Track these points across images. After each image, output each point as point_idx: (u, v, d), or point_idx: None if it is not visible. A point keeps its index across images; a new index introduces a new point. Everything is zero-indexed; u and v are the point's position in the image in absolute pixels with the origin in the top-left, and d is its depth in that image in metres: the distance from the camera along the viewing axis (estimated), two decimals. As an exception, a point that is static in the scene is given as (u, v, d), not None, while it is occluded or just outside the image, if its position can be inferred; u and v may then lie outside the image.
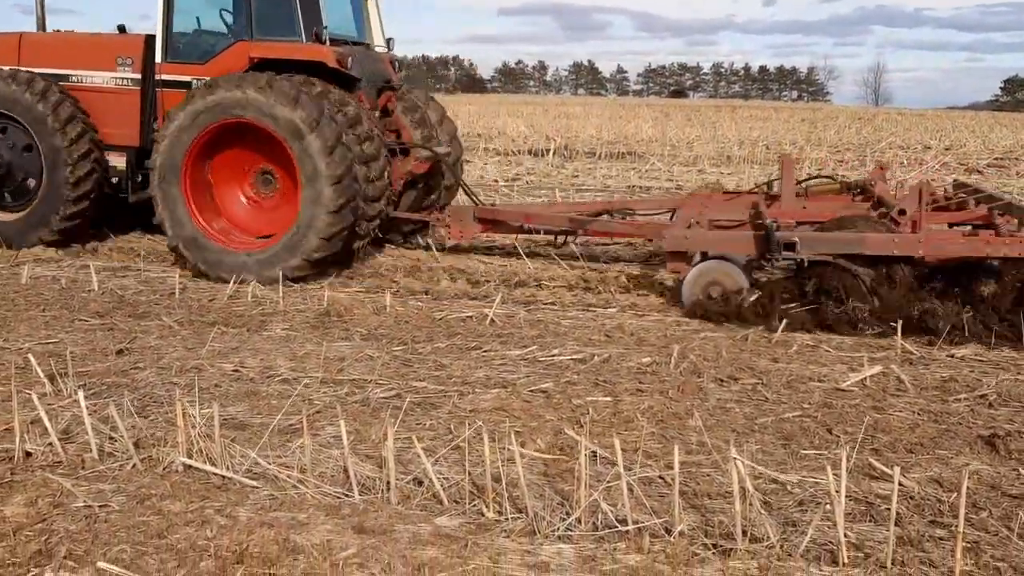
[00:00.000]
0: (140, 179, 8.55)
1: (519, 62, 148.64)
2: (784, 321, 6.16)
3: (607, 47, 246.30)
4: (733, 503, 3.30)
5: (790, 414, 4.70)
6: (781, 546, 3.28)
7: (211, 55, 8.27)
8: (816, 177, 8.56)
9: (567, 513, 3.50)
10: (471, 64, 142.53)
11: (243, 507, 3.53)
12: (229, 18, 8.43)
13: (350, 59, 8.21)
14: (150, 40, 8.48)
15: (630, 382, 5.13)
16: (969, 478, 3.61)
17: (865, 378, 5.22)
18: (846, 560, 3.19)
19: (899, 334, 5.82)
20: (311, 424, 4.19)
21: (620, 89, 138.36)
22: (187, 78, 8.17)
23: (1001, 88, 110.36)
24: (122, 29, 9.08)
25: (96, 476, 3.80)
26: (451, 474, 3.84)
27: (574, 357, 5.57)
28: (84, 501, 3.55)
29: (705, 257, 6.81)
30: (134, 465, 3.89)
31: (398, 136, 9.12)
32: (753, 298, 6.45)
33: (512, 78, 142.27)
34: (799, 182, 8.12)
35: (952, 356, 5.72)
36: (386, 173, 8.22)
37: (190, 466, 3.85)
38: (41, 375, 4.82)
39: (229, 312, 6.66)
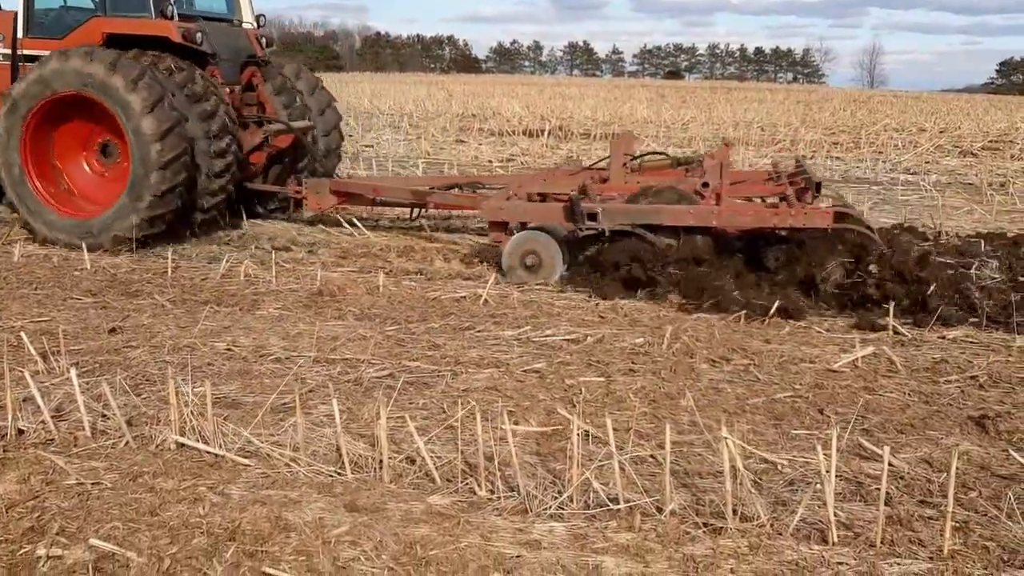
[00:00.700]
0: None
1: (514, 42, 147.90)
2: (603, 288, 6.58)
3: (603, 27, 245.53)
4: (724, 482, 3.32)
5: (781, 394, 4.72)
6: (771, 525, 3.30)
7: (69, 31, 8.41)
8: (650, 153, 8.89)
9: (559, 492, 3.52)
10: (466, 44, 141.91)
11: (235, 485, 3.54)
12: None
13: (199, 34, 8.45)
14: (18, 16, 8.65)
15: (623, 362, 5.14)
16: (959, 458, 3.62)
17: (857, 359, 5.23)
18: (835, 539, 3.21)
19: (891, 316, 5.84)
20: (304, 403, 4.19)
21: (615, 70, 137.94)
22: (46, 53, 8.14)
23: (997, 71, 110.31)
24: None
25: (88, 454, 3.80)
26: (444, 453, 3.85)
27: (567, 337, 5.58)
28: (76, 478, 3.55)
29: (524, 227, 7.18)
30: (127, 443, 3.89)
31: (261, 110, 9.40)
32: (565, 265, 6.96)
33: (507, 58, 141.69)
34: (634, 157, 8.43)
35: (943, 338, 5.74)
36: (232, 148, 8.42)
37: (183, 444, 3.85)
38: (34, 353, 4.81)
39: (222, 291, 6.64)
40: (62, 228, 8.00)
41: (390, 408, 4.07)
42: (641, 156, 8.57)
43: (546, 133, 20.64)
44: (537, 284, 6.90)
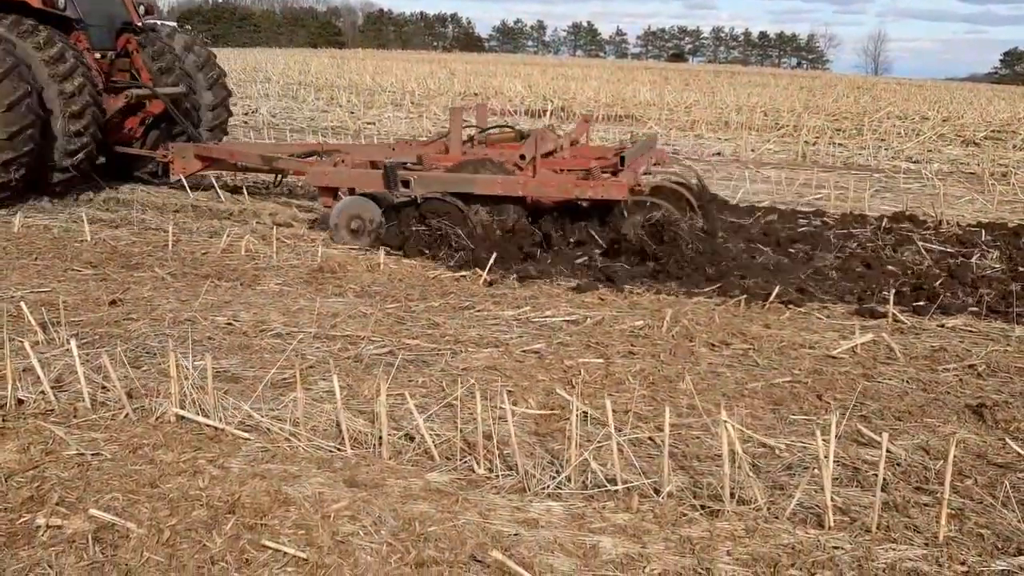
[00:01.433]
0: None
1: (517, 21, 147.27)
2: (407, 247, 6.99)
3: (607, 7, 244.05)
4: (722, 465, 3.33)
5: (780, 380, 4.73)
6: (768, 508, 3.32)
7: None
8: (498, 126, 9.17)
9: (557, 472, 3.53)
10: (469, 22, 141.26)
11: (235, 458, 3.55)
12: None
13: (62, 1, 8.80)
14: None
15: (622, 345, 5.14)
16: (956, 446, 3.64)
17: (856, 346, 5.24)
18: (832, 523, 3.23)
19: (891, 303, 5.84)
20: (304, 379, 4.20)
21: (619, 51, 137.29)
22: None
23: (1001, 60, 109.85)
24: None
25: (88, 425, 3.81)
26: (443, 431, 3.86)
27: (567, 319, 5.58)
28: (76, 449, 3.56)
29: (351, 193, 7.57)
30: (126, 415, 3.90)
31: (134, 76, 9.76)
32: (384, 229, 7.28)
33: (510, 37, 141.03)
34: (483, 130, 8.80)
35: (943, 326, 5.75)
36: (90, 110, 8.63)
37: (183, 417, 3.86)
38: (33, 323, 4.81)
39: (222, 265, 6.64)
40: None
41: (390, 385, 4.08)
42: (488, 129, 8.87)
43: (549, 114, 20.57)
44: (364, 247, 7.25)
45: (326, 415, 3.97)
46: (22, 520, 3.08)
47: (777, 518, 3.28)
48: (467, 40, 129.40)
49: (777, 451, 3.85)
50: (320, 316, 5.44)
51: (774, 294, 6.04)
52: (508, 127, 9.15)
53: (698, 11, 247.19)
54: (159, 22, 10.99)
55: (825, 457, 3.22)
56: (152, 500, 3.21)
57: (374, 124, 17.89)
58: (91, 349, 4.67)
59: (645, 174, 7.90)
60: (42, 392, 4.01)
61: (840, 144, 16.58)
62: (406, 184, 7.19)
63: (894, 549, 3.11)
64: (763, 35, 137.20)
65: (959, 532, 3.25)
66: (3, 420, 3.81)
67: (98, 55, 9.36)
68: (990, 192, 11.24)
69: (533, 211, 7.38)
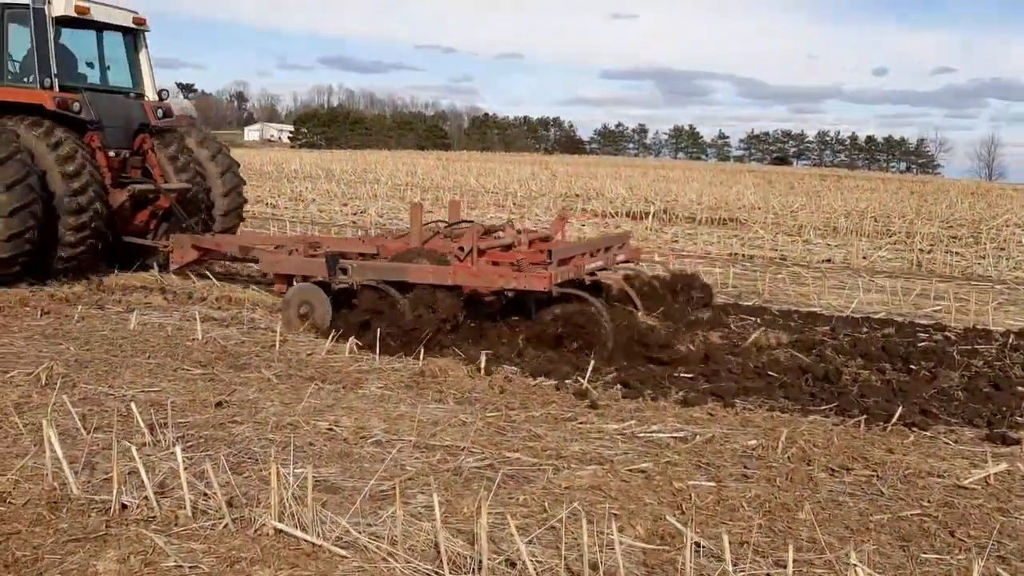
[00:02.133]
0: None
1: (619, 124, 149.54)
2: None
3: (709, 112, 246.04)
4: (852, 614, 3.04)
5: (908, 512, 4.37)
6: (905, 666, 3.00)
7: None
8: (462, 221, 9.54)
9: (668, 610, 3.29)
10: (571, 125, 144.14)
11: (332, 578, 3.44)
12: (11, 65, 10.05)
13: (76, 104, 9.84)
14: None
15: (735, 466, 4.88)
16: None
17: (989, 475, 4.84)
18: None
19: (1028, 430, 5.42)
20: (402, 491, 4.08)
21: (721, 154, 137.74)
22: None
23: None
24: None
25: (188, 535, 3.76)
26: (545, 557, 3.67)
27: (675, 435, 5.35)
28: (175, 560, 3.51)
29: (305, 279, 8.04)
30: (226, 525, 3.84)
31: (145, 173, 10.69)
32: (330, 315, 7.68)
33: (611, 140, 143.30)
34: (449, 225, 9.27)
35: (1088, 457, 5.27)
36: (94, 204, 9.47)
37: (281, 530, 3.78)
38: (142, 425, 4.87)
39: (326, 367, 6.67)
40: None
41: (489, 502, 3.93)
42: (455, 224, 9.35)
43: (650, 216, 20.55)
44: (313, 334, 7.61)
45: (424, 534, 3.83)
46: (116, 636, 3.01)
47: None
48: (569, 143, 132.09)
49: (911, 597, 3.51)
50: (420, 424, 5.36)
51: (896, 415, 5.68)
52: (469, 222, 9.57)
53: (802, 115, 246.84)
54: (177, 114, 11.98)
55: (970, 612, 2.90)
56: (246, 621, 3.11)
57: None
58: (195, 453, 4.68)
59: (601, 269, 8.33)
60: (145, 497, 4.01)
61: (957, 252, 15.97)
62: (344, 272, 7.68)
63: None
64: (870, 139, 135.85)
65: None
66: (106, 526, 3.81)
67: (112, 153, 10.29)
68: None
69: (479, 301, 7.83)
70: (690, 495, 4.42)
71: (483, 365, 6.61)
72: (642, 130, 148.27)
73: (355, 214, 19.68)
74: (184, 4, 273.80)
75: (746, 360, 7.12)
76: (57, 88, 9.77)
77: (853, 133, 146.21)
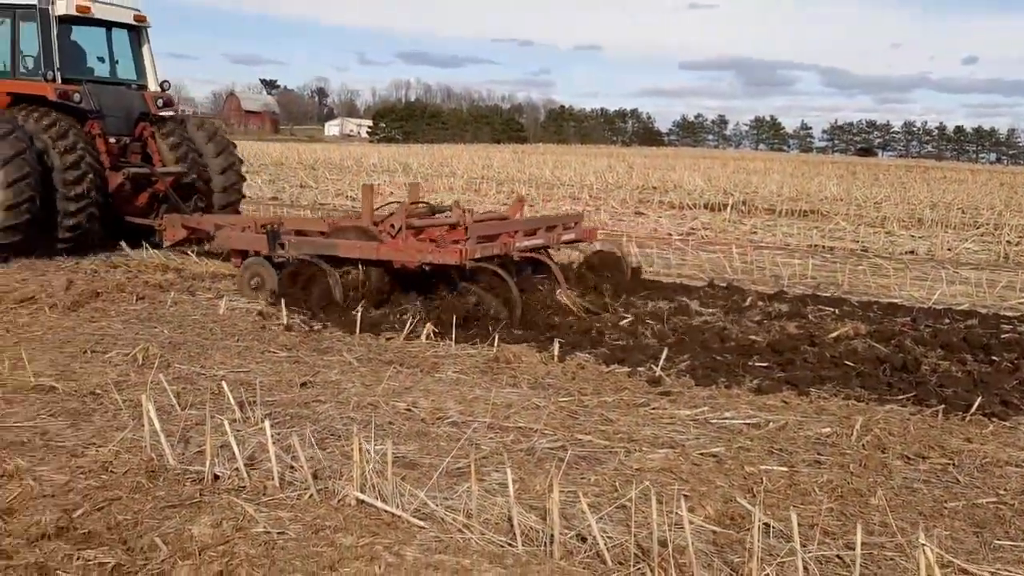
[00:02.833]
0: None
1: (698, 116, 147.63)
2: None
3: (792, 103, 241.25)
4: (920, 594, 3.06)
5: (984, 500, 4.33)
6: (974, 647, 3.01)
7: None
8: (417, 202, 10.03)
9: (736, 586, 3.35)
10: (649, 117, 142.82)
11: (410, 547, 3.59)
12: (21, 60, 11.15)
13: (77, 95, 10.87)
14: None
15: (808, 452, 4.89)
16: None
17: (1073, 467, 4.75)
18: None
19: (1115, 422, 5.29)
20: (477, 469, 4.22)
21: (803, 146, 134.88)
22: None
23: None
24: None
25: (276, 503, 3.97)
26: (615, 533, 3.77)
27: (748, 421, 5.38)
28: (264, 527, 3.71)
29: (256, 254, 8.83)
30: (311, 495, 4.04)
31: (145, 158, 11.72)
32: (266, 285, 8.51)
33: (690, 131, 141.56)
34: (404, 206, 9.41)
35: None
36: (90, 186, 10.46)
37: (362, 501, 3.96)
38: (232, 402, 5.11)
39: (404, 352, 6.86)
40: None
41: (561, 482, 4.04)
42: (408, 204, 9.67)
43: (728, 208, 20.34)
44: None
45: (498, 508, 3.97)
46: (211, 593, 3.21)
47: (985, 659, 2.96)
48: (646, 134, 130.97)
49: (983, 581, 3.50)
50: (494, 406, 5.50)
51: (976, 405, 5.60)
52: (425, 203, 10.23)
53: (888, 104, 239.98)
54: (182, 111, 13.10)
55: (1042, 594, 2.90)
56: (330, 583, 3.28)
57: (553, 217, 18.24)
58: (282, 429, 4.90)
59: (543, 248, 9.05)
60: (236, 469, 4.23)
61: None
62: (282, 246, 8.43)
63: None
64: (959, 129, 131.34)
65: None
66: (200, 494, 4.04)
67: (112, 139, 11.32)
68: None
69: (413, 275, 8.32)
70: (761, 479, 4.46)
71: (556, 352, 6.72)
72: (722, 121, 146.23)
73: (432, 206, 19.95)
74: (265, 2, 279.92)
75: (822, 350, 7.08)
76: (60, 80, 10.83)
77: (941, 123, 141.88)
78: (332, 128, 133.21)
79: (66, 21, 11.11)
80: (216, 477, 4.21)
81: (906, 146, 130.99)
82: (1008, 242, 14.62)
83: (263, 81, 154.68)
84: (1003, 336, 7.76)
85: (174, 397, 5.31)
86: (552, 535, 3.61)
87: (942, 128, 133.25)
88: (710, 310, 8.60)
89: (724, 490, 4.32)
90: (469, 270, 7.93)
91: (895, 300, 9.66)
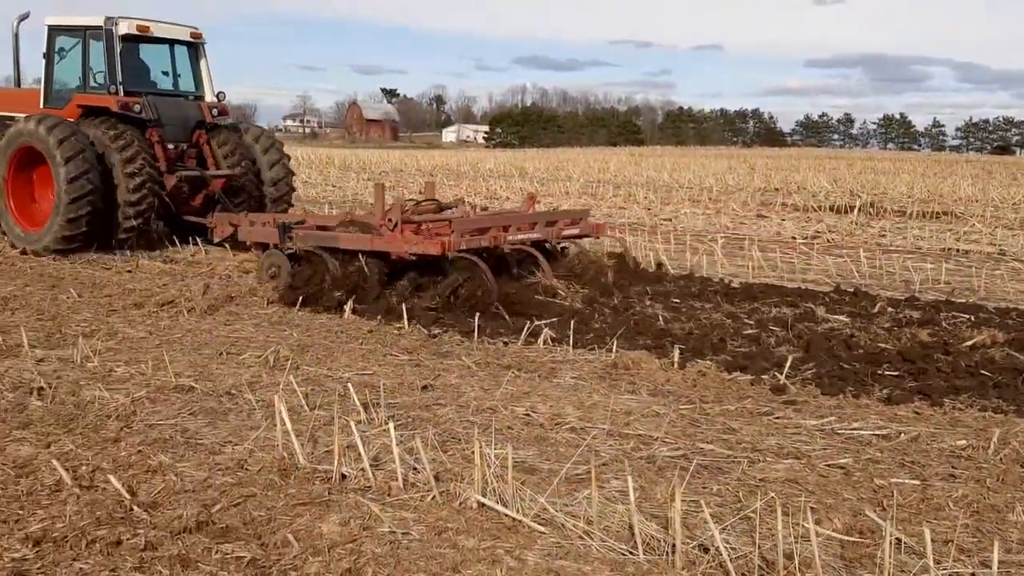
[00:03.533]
0: None
1: (823, 115, 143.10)
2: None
3: (923, 100, 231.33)
4: (1068, 620, 2.90)
5: None
6: None
7: (66, 103, 12.23)
8: (426, 200, 10.41)
9: (865, 603, 3.25)
10: (771, 117, 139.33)
11: (531, 551, 3.63)
12: (91, 76, 12.32)
13: (137, 106, 11.99)
14: None
15: (941, 466, 4.69)
16: None
17: None
18: None
19: None
20: (598, 476, 4.23)
21: (935, 144, 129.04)
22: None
23: None
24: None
25: (400, 504, 4.08)
26: (739, 545, 3.71)
27: (877, 432, 5.20)
28: (389, 527, 3.82)
29: (268, 247, 9.57)
30: (433, 497, 4.13)
31: (200, 163, 12.78)
32: (287, 275, 9.02)
33: (814, 131, 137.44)
34: (418, 203, 10.24)
35: None
36: (147, 187, 11.61)
37: (483, 504, 4.02)
38: (357, 404, 5.28)
39: (522, 357, 6.92)
40: (22, 239, 11.66)
41: (683, 490, 4.00)
42: (421, 202, 10.34)
43: (855, 210, 19.67)
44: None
45: (619, 516, 3.96)
46: (340, 589, 3.32)
47: None
48: (768, 135, 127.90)
49: None
50: (613, 413, 5.49)
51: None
52: (434, 200, 10.55)
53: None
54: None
55: None
56: (453, 584, 3.35)
57: (671, 220, 18.05)
58: (405, 431, 5.03)
59: (541, 242, 9.55)
60: (362, 469, 4.37)
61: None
62: (291, 239, 9.12)
63: None
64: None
65: None
66: (329, 493, 4.19)
67: (171, 146, 12.43)
68: None
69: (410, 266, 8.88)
70: (892, 492, 4.30)
71: (677, 359, 6.65)
72: (848, 120, 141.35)
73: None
74: (385, 12, 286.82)
75: (957, 358, 6.77)
76: (122, 93, 11.98)
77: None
78: (449, 135, 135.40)
79: (128, 40, 12.26)
80: (343, 477, 4.35)
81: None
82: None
83: (383, 90, 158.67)
84: None
85: (303, 398, 5.52)
86: (674, 544, 3.59)
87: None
88: (837, 316, 8.34)
89: (852, 503, 4.19)
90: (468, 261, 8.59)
91: (1038, 306, 9.13)
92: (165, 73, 13.10)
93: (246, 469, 4.49)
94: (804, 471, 4.59)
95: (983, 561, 3.55)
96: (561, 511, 3.96)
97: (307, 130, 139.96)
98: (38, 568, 3.45)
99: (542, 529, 3.83)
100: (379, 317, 8.10)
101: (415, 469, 4.38)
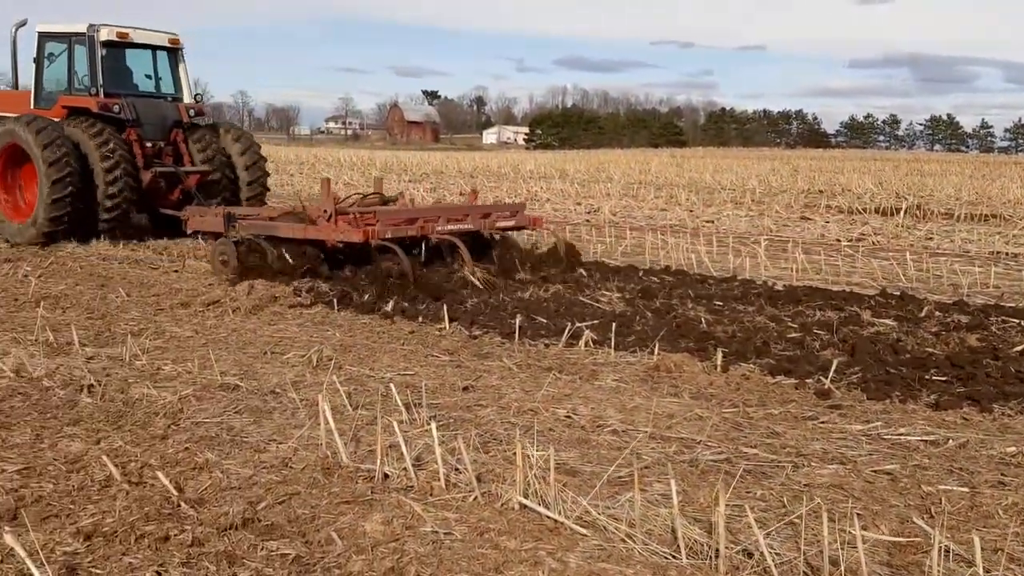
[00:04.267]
0: None
1: (868, 116, 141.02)
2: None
3: (971, 100, 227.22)
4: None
5: None
6: None
7: (54, 104, 13.28)
8: (372, 194, 11.84)
9: (913, 612, 3.20)
10: (815, 118, 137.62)
11: (573, 553, 3.62)
12: (75, 79, 13.33)
13: (116, 106, 12.97)
14: None
15: (990, 472, 4.60)
16: None
17: None
18: None
19: None
20: (640, 479, 4.21)
21: (984, 145, 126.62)
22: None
23: None
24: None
25: (442, 504, 4.09)
26: (783, 550, 3.67)
27: (924, 438, 5.11)
28: (431, 527, 3.84)
29: (218, 235, 10.57)
30: (475, 498, 4.14)
31: (176, 160, 13.68)
32: (223, 259, 10.06)
33: (859, 132, 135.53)
34: (364, 197, 11.70)
35: None
36: (124, 182, 12.55)
37: (525, 506, 4.02)
38: (399, 404, 5.31)
39: (563, 359, 6.91)
40: (11, 231, 12.61)
41: (727, 495, 3.97)
42: (368, 195, 11.77)
43: (901, 212, 19.37)
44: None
45: (661, 519, 3.94)
46: (383, 588, 3.35)
47: None
48: (812, 136, 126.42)
49: None
50: (655, 416, 5.46)
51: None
52: (378, 194, 11.78)
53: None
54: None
55: None
56: (495, 585, 3.35)
57: (713, 222, 17.91)
58: (446, 432, 5.04)
59: (471, 232, 10.47)
60: (404, 469, 4.39)
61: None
62: (234, 228, 10.22)
63: None
64: None
65: None
66: (371, 492, 4.22)
67: (148, 144, 13.37)
68: None
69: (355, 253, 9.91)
70: (940, 499, 4.23)
71: (719, 362, 6.60)
72: (894, 121, 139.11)
73: (588, 212, 19.99)
74: (426, 14, 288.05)
75: (1007, 364, 6.64)
76: (102, 95, 12.95)
77: None
78: (489, 136, 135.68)
79: (110, 45, 13.22)
80: (386, 476, 4.38)
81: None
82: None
83: (424, 92, 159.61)
84: None
85: (346, 398, 5.56)
86: (717, 549, 3.56)
87: None
88: (883, 320, 8.22)
89: (899, 509, 4.13)
90: (411, 246, 9.95)
91: (1092, 311, 8.92)
92: (148, 76, 14.10)
93: (290, 467, 4.54)
94: (850, 476, 4.53)
95: (1035, 571, 3.48)
96: (603, 514, 3.95)
97: (348, 132, 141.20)
98: (89, 562, 3.52)
99: (584, 531, 3.82)
100: (419, 318, 8.15)
101: (457, 470, 4.39)
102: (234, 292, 9.05)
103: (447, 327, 7.81)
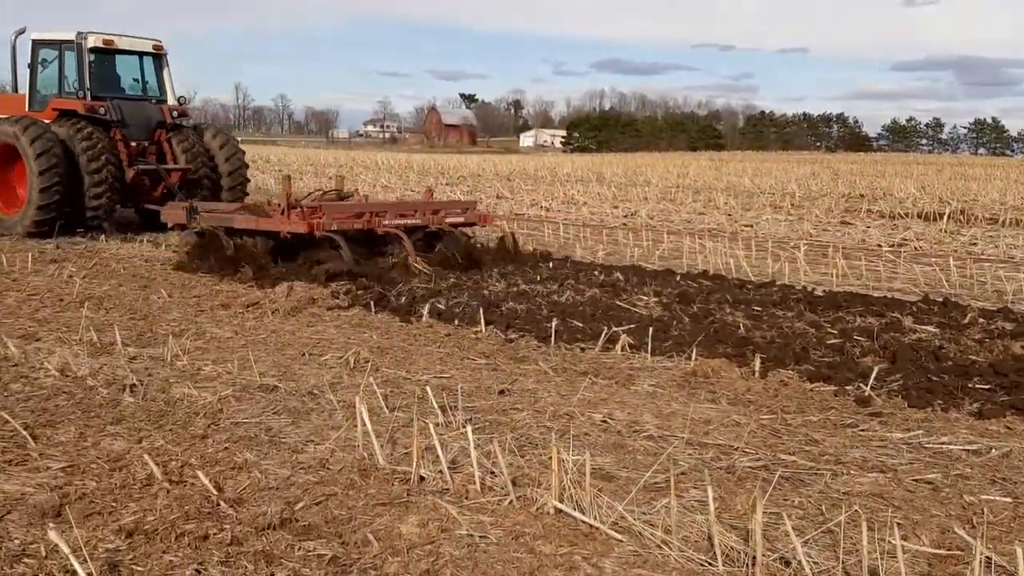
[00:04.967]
0: None
1: (910, 119, 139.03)
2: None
3: (1017, 103, 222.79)
4: None
5: None
6: None
7: (46, 106, 14.21)
8: (331, 191, 12.92)
9: (955, 624, 3.15)
10: (856, 121, 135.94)
11: (608, 559, 3.61)
12: (65, 83, 14.38)
13: (102, 108, 13.98)
14: None
15: (1035, 484, 4.51)
16: None
17: None
18: None
19: None
20: (676, 485, 4.18)
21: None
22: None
23: None
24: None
25: (477, 507, 4.10)
26: (821, 559, 3.63)
27: (967, 447, 5.03)
28: (467, 530, 3.85)
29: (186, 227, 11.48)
30: (510, 502, 4.14)
31: (160, 159, 14.73)
32: (188, 249, 11.13)
33: (901, 136, 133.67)
34: (325, 193, 12.92)
35: None
36: (108, 179, 13.60)
37: (561, 510, 4.02)
38: (435, 407, 5.33)
39: (599, 364, 6.89)
40: (7, 224, 13.53)
41: (764, 502, 3.93)
42: (327, 192, 12.91)
43: (945, 217, 19.06)
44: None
45: (697, 526, 3.92)
46: (418, 590, 3.36)
47: None
48: (853, 139, 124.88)
49: None
50: (692, 422, 5.42)
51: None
52: (337, 191, 12.76)
53: None
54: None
55: None
56: (530, 589, 3.36)
57: (751, 227, 17.77)
58: (482, 435, 5.05)
59: (420, 227, 11.22)
60: (440, 471, 4.41)
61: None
62: (194, 220, 11.12)
63: None
64: None
65: None
66: (407, 494, 4.24)
67: (133, 143, 14.40)
68: None
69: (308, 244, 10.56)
70: (982, 509, 4.16)
71: (757, 368, 6.55)
72: (937, 124, 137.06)
73: (625, 216, 19.93)
74: (465, 17, 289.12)
75: (1053, 372, 6.50)
76: (89, 98, 13.98)
77: None
78: (526, 139, 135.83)
79: (97, 52, 14.30)
80: (422, 478, 4.40)
81: None
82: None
83: (462, 95, 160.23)
84: None
85: (382, 400, 5.60)
86: (755, 557, 3.53)
87: None
88: (925, 327, 8.10)
89: (940, 519, 4.07)
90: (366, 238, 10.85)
91: None
92: (136, 80, 15.16)
93: (328, 468, 4.57)
94: (890, 485, 4.47)
95: (1081, 585, 3.41)
96: (639, 519, 3.94)
97: (386, 135, 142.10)
98: (130, 559, 3.58)
99: (619, 537, 3.81)
100: (456, 321, 8.18)
101: (492, 473, 4.40)
102: (273, 294, 9.15)
103: (483, 330, 7.83)
